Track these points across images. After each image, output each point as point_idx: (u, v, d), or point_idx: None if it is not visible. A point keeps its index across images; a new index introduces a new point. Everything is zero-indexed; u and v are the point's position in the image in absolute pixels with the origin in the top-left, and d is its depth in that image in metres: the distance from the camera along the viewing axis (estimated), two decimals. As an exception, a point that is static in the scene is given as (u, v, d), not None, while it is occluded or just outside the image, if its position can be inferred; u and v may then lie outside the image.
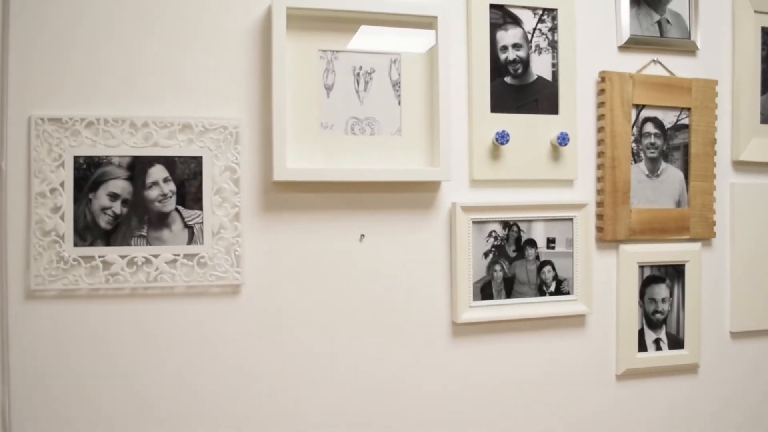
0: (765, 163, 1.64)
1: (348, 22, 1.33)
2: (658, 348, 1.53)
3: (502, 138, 1.37)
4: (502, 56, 1.42)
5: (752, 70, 1.62)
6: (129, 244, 1.24)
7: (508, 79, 1.42)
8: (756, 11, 1.62)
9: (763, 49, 1.64)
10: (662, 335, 1.53)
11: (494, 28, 1.41)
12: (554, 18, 1.45)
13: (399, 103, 1.36)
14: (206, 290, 1.28)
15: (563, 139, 1.41)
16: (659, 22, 1.54)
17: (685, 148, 1.54)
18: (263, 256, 1.30)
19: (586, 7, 1.49)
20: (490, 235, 1.40)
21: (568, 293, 1.45)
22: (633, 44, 1.52)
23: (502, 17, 1.42)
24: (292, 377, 1.31)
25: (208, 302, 1.28)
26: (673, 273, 1.54)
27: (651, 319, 1.53)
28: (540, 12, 1.44)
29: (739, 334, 1.63)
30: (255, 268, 1.29)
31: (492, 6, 1.41)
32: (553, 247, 1.44)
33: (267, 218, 1.30)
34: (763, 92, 1.64)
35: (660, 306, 1.53)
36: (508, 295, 1.41)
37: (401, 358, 1.37)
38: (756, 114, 1.62)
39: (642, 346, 1.52)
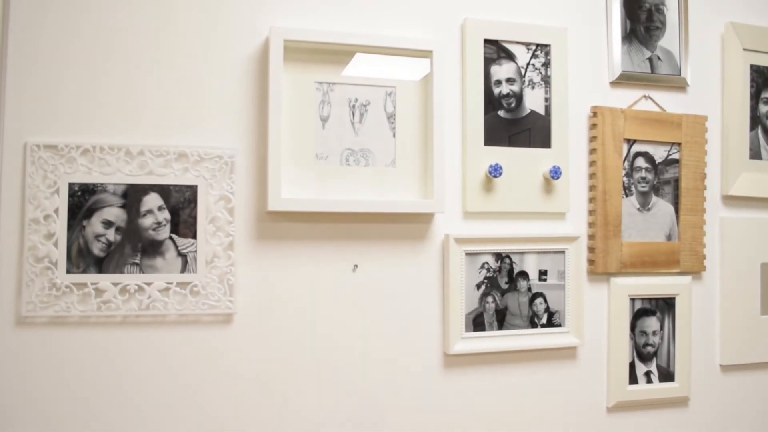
0: (754, 197, 1.72)
1: (344, 55, 1.40)
2: (649, 380, 1.59)
3: (495, 171, 1.44)
4: (496, 90, 1.49)
5: (741, 107, 1.70)
6: (122, 272, 1.29)
7: (501, 113, 1.49)
8: (745, 49, 1.72)
9: (752, 86, 1.73)
10: (653, 368, 1.60)
11: (488, 62, 1.49)
12: (547, 53, 1.53)
13: (393, 135, 1.43)
14: (198, 319, 1.33)
15: (555, 173, 1.48)
16: (650, 59, 1.63)
17: (676, 182, 1.62)
18: (257, 286, 1.35)
19: (579, 43, 1.57)
20: (482, 266, 1.46)
21: (559, 325, 1.51)
22: (624, 80, 1.60)
23: (497, 52, 1.50)
24: (283, 407, 1.36)
25: (201, 331, 1.33)
26: (664, 306, 1.61)
27: (642, 352, 1.59)
28: (533, 47, 1.52)
29: (729, 367, 1.69)
30: (248, 298, 1.34)
31: (486, 41, 1.49)
32: (545, 279, 1.50)
33: (261, 248, 1.36)
34: (752, 128, 1.72)
35: (651, 339, 1.60)
36: (500, 327, 1.47)
37: (393, 389, 1.42)
38: (745, 149, 1.71)
39: (633, 379, 1.58)
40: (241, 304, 1.34)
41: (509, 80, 1.50)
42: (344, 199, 1.35)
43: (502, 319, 1.47)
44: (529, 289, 1.48)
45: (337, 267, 1.39)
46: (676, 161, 1.61)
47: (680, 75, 1.65)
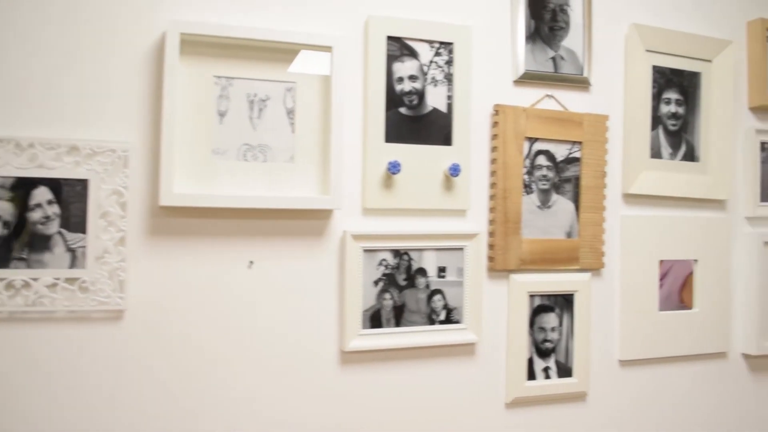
0: (654, 195, 1.80)
1: (243, 49, 1.41)
2: (547, 376, 1.66)
3: (394, 168, 1.48)
4: (398, 87, 1.53)
5: (643, 107, 1.78)
6: (7, 267, 1.29)
7: (403, 110, 1.53)
8: (648, 50, 1.79)
9: (654, 87, 1.81)
10: (551, 364, 1.66)
11: (391, 59, 1.53)
12: (450, 51, 1.57)
13: (293, 131, 1.45)
14: (88, 315, 1.33)
15: (455, 170, 1.53)
16: (554, 59, 1.69)
17: (576, 180, 1.69)
18: (149, 282, 1.36)
19: (483, 41, 1.62)
20: (380, 263, 1.50)
21: (458, 322, 1.56)
22: (528, 79, 1.65)
23: (399, 49, 1.53)
24: (175, 405, 1.38)
25: (90, 327, 1.33)
26: (563, 302, 1.67)
27: (540, 348, 1.65)
28: (437, 45, 1.56)
29: (627, 362, 1.77)
30: (140, 294, 1.36)
31: (389, 38, 1.52)
32: (444, 276, 1.55)
33: (154, 243, 1.37)
34: (653, 128, 1.80)
35: (549, 335, 1.66)
36: (398, 324, 1.51)
37: (289, 386, 1.45)
38: (646, 149, 1.79)
39: (531, 375, 1.64)
40: (133, 300, 1.35)
41: (412, 78, 1.54)
42: (239, 195, 1.37)
43: (399, 316, 1.51)
44: (428, 286, 1.53)
45: (233, 264, 1.41)
46: (577, 160, 1.68)
47: (583, 75, 1.71)
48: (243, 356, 1.41)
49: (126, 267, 1.34)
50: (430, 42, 1.55)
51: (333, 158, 1.43)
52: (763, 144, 1.97)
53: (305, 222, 1.46)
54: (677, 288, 1.82)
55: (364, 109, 1.50)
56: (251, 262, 1.42)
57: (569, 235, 1.67)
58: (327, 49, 1.45)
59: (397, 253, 1.51)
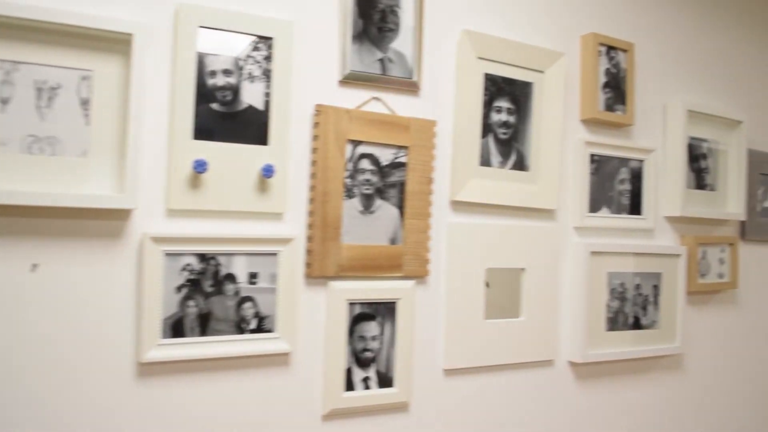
0: (482, 204, 1.80)
1: (32, 31, 1.29)
2: (367, 387, 1.62)
3: (200, 167, 1.40)
4: (210, 81, 1.45)
5: (473, 114, 1.78)
6: None
7: (215, 106, 1.45)
8: (480, 57, 1.79)
9: (485, 94, 1.81)
10: (371, 374, 1.63)
11: (203, 51, 1.44)
12: (270, 47, 1.51)
13: (87, 123, 1.35)
14: None
15: (268, 171, 1.47)
16: (382, 60, 1.65)
17: (402, 186, 1.66)
18: None
19: (306, 38, 1.57)
20: (184, 268, 1.41)
21: (270, 331, 1.50)
22: (353, 80, 1.61)
23: (213, 41, 1.45)
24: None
25: None
26: (385, 310, 1.64)
27: (360, 358, 1.61)
28: (255, 39, 1.50)
29: (452, 371, 1.76)
30: None
31: (202, 28, 1.44)
32: (255, 283, 1.48)
33: None
34: (483, 135, 1.81)
35: (370, 344, 1.62)
36: (203, 333, 1.43)
37: (75, 401, 1.33)
38: (475, 156, 1.79)
39: (349, 385, 1.60)
40: None
41: (226, 72, 1.46)
42: (21, 191, 1.25)
43: (205, 325, 1.43)
44: (237, 292, 1.46)
45: (14, 266, 1.28)
46: (403, 165, 1.65)
47: (412, 78, 1.69)
48: (28, 368, 1.29)
49: None
50: (248, 35, 1.48)
51: (130, 154, 1.33)
52: (592, 156, 2.02)
53: (101, 222, 1.35)
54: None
55: (171, 104, 1.41)
56: (34, 265, 1.30)
57: (393, 241, 1.64)
58: (127, 36, 1.35)
59: (204, 257, 1.42)
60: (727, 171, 2.38)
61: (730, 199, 2.39)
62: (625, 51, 2.10)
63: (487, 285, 1.82)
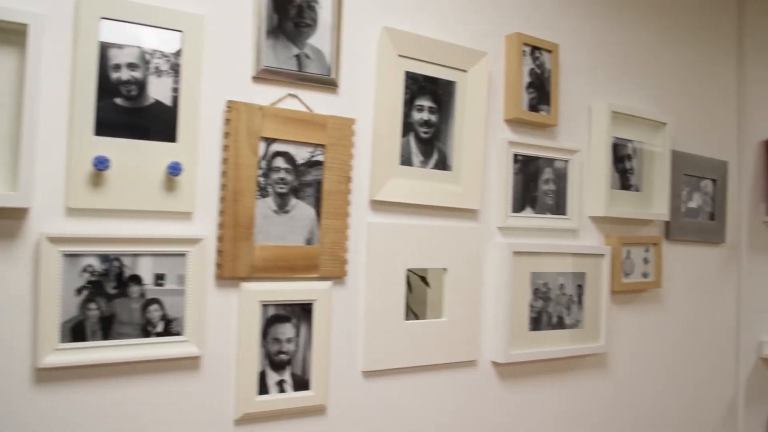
0: (403, 203, 1.79)
1: None
2: (282, 390, 1.59)
3: (101, 164, 1.35)
4: (114, 75, 1.40)
5: (394, 112, 1.76)
6: None
7: (119, 101, 1.40)
8: (400, 55, 1.78)
9: (406, 93, 1.80)
10: (287, 377, 1.59)
11: (107, 44, 1.39)
12: (179, 40, 1.47)
13: (-22, 117, 1.28)
14: None
15: (175, 169, 1.42)
16: (298, 56, 1.62)
17: (319, 185, 1.63)
18: None
19: (218, 33, 1.52)
20: (85, 269, 1.36)
21: (178, 334, 1.45)
22: (268, 76, 1.58)
23: (117, 33, 1.40)
24: None
25: None
26: (301, 312, 1.61)
27: (274, 360, 1.58)
28: (163, 32, 1.45)
29: (371, 373, 1.74)
30: None
31: (105, 19, 1.39)
32: (162, 284, 1.44)
33: None
34: (404, 134, 1.79)
35: (285, 346, 1.59)
36: (106, 337, 1.38)
37: (-36, 410, 1.27)
38: (396, 155, 1.77)
39: (263, 389, 1.56)
40: None
41: (131, 66, 1.41)
42: None
43: (108, 328, 1.38)
44: (143, 294, 1.41)
45: None
46: (320, 163, 1.63)
47: (330, 76, 1.66)
48: None
49: None
50: (156, 28, 1.44)
51: (24, 151, 1.28)
52: (516, 156, 2.03)
53: (-7, 222, 1.29)
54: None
55: (71, 98, 1.36)
56: None
57: (309, 241, 1.61)
58: (22, 27, 1.29)
59: (106, 258, 1.37)
60: (652, 172, 2.42)
61: (655, 200, 2.43)
62: (549, 51, 2.11)
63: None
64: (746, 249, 2.84)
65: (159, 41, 1.44)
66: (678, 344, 2.58)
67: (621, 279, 2.31)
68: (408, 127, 1.80)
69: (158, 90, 1.44)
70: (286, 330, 1.59)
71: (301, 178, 1.61)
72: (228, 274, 1.50)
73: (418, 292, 1.88)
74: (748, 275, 2.84)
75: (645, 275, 2.41)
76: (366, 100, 1.73)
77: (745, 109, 2.85)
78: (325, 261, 1.63)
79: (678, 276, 2.58)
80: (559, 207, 2.14)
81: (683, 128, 2.59)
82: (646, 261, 2.41)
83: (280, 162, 1.58)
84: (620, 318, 2.35)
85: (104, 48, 1.39)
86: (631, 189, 2.36)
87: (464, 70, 1.91)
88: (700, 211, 2.65)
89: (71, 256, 1.34)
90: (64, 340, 1.34)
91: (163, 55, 1.45)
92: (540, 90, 2.08)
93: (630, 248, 2.35)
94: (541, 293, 2.06)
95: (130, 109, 1.41)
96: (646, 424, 2.46)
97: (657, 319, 2.49)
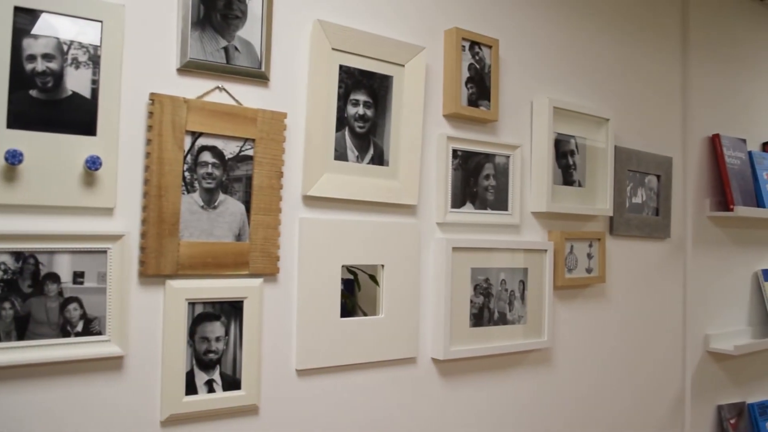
0: (336, 198, 1.77)
1: None
2: (211, 390, 1.56)
3: (13, 158, 1.31)
4: (29, 66, 1.36)
5: (327, 107, 1.74)
6: None
7: (34, 93, 1.36)
8: (334, 48, 1.76)
9: (340, 87, 1.78)
10: (216, 376, 1.56)
11: (20, 33, 1.35)
12: (99, 30, 1.43)
13: None
14: None
15: (93, 164, 1.38)
16: (226, 49, 1.60)
17: (249, 180, 1.61)
18: None
19: (140, 23, 1.49)
20: (-3, 268, 1.31)
21: (99, 333, 1.41)
22: (194, 68, 1.55)
23: (31, 22, 1.36)
24: None
25: None
26: (230, 310, 1.58)
27: (203, 360, 1.55)
28: (81, 21, 1.41)
29: (306, 371, 1.72)
30: None
31: (18, 9, 1.35)
32: (82, 283, 1.40)
33: None
34: (338, 129, 1.77)
35: (213, 345, 1.56)
36: (21, 337, 1.34)
37: None
38: (330, 150, 1.75)
39: (191, 389, 1.53)
40: None
41: (46, 56, 1.37)
42: None
43: (23, 328, 1.33)
44: (61, 293, 1.37)
45: None
46: (250, 158, 1.60)
47: (260, 69, 1.64)
48: None
49: None
50: (73, 17, 1.40)
51: (-71, 143, 1.23)
52: (455, 151, 2.02)
53: None
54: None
55: (-18, 89, 1.31)
56: None
57: (239, 237, 1.59)
58: (-74, 14, 1.24)
59: (21, 256, 1.33)
60: (595, 168, 2.44)
61: (599, 195, 2.45)
62: (489, 47, 2.11)
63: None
64: (691, 244, 2.88)
65: (77, 31, 1.40)
66: (624, 339, 2.60)
67: (564, 274, 2.32)
68: (343, 121, 1.78)
69: (76, 82, 1.40)
70: (215, 328, 1.56)
71: (229, 172, 1.58)
72: (152, 272, 1.47)
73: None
74: (693, 270, 2.88)
75: (589, 270, 2.42)
76: (298, 93, 1.71)
77: (690, 106, 2.88)
78: (255, 257, 1.61)
79: (623, 271, 2.60)
80: (500, 202, 2.14)
81: (627, 125, 2.61)
82: (589, 256, 2.43)
83: (207, 156, 1.55)
84: (564, 313, 2.36)
85: (18, 38, 1.34)
86: (574, 184, 2.37)
87: (401, 65, 1.89)
88: (645, 206, 2.68)
89: (-18, 253, 1.30)
90: (-25, 341, 1.29)
91: (82, 45, 1.41)
92: (480, 85, 2.07)
93: (573, 243, 2.36)
94: (482, 289, 2.06)
95: (45, 101, 1.37)
96: (592, 419, 2.48)
97: (602, 314, 2.51)
